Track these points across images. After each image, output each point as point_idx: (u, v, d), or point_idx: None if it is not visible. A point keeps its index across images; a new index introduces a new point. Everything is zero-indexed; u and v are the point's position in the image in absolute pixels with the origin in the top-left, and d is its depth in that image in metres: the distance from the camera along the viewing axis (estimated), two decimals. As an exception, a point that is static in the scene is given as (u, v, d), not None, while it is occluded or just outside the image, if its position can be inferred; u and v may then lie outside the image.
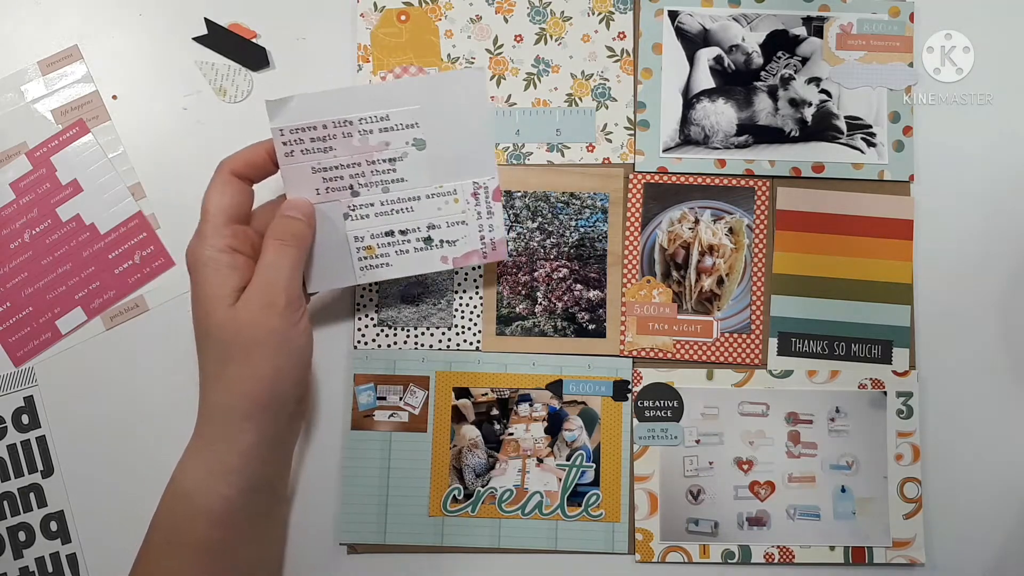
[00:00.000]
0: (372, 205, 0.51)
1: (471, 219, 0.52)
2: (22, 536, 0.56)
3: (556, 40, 0.59)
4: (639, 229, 0.58)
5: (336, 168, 0.50)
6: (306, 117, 0.48)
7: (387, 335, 0.57)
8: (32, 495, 0.56)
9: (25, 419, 0.57)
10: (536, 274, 0.58)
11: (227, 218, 0.47)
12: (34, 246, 0.57)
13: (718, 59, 0.59)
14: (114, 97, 0.58)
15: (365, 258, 0.52)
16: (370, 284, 0.57)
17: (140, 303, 0.57)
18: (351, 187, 0.50)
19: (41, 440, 0.56)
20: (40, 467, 0.56)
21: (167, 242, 0.58)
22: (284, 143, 0.49)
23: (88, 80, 0.58)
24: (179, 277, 0.58)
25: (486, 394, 0.57)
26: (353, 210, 0.51)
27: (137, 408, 0.57)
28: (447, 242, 0.52)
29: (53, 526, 0.56)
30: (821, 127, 0.58)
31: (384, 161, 0.50)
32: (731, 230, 0.58)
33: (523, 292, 0.57)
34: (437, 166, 0.50)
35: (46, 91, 0.58)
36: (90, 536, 0.56)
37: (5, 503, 0.56)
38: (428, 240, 0.52)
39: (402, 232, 0.51)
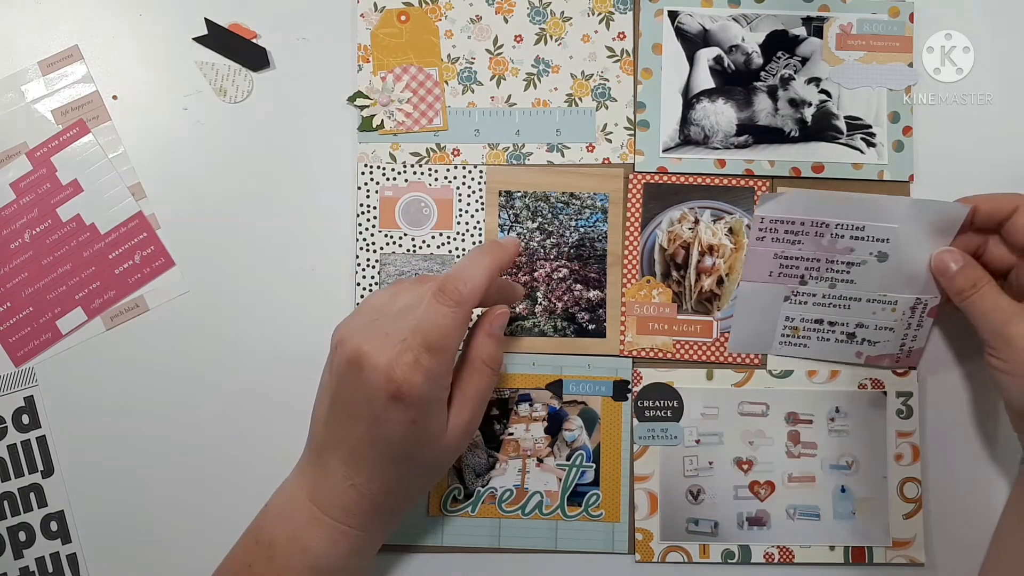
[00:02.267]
0: (814, 295, 0.55)
1: (899, 328, 0.55)
2: (22, 536, 0.56)
3: (556, 40, 0.59)
4: (639, 229, 0.58)
5: (796, 259, 0.55)
6: (789, 212, 0.53)
7: (387, 335, 0.57)
8: (32, 495, 0.56)
9: (25, 419, 0.57)
10: (536, 274, 0.58)
11: (455, 355, 0.47)
12: (34, 246, 0.57)
13: (718, 59, 0.59)
14: (114, 97, 0.58)
15: (788, 335, 0.56)
16: (370, 283, 0.57)
17: (140, 303, 0.57)
18: (802, 277, 0.55)
19: (41, 440, 0.56)
20: (40, 467, 0.56)
21: (167, 242, 0.58)
22: (760, 229, 0.54)
23: (88, 80, 0.58)
24: (179, 277, 0.58)
25: (486, 394, 0.57)
26: (795, 295, 0.55)
27: (137, 408, 0.57)
28: (868, 342, 0.56)
29: (53, 526, 0.56)
30: (821, 127, 0.58)
31: (842, 263, 0.54)
32: (731, 230, 0.58)
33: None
34: (888, 277, 0.54)
35: (46, 91, 0.58)
36: (90, 536, 0.56)
37: (5, 503, 0.56)
38: (851, 336, 0.56)
39: (831, 323, 0.56)
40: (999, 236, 0.53)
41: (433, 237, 0.58)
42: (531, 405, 0.57)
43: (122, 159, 0.58)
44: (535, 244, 0.58)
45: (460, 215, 0.58)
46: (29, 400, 0.57)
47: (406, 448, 0.46)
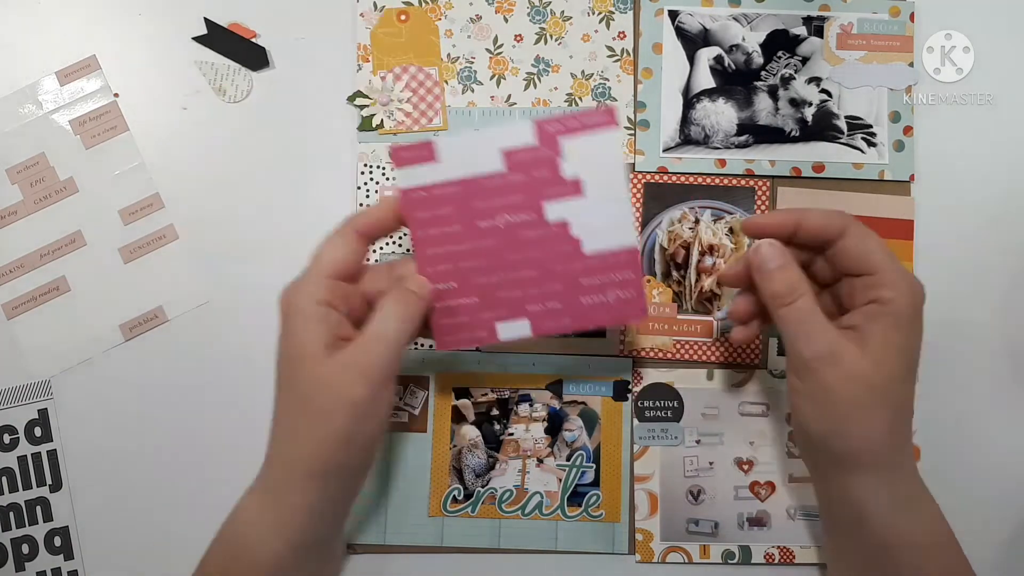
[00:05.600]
0: None
1: None
2: (25, 549, 0.56)
3: (556, 40, 0.59)
4: (639, 229, 0.58)
5: None
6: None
7: (387, 335, 0.57)
8: (38, 508, 0.56)
9: (38, 431, 0.56)
10: (536, 274, 0.57)
11: (333, 272, 0.45)
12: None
13: (718, 59, 0.59)
14: (115, 95, 0.58)
15: None
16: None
17: (159, 313, 0.57)
18: None
19: (52, 454, 0.56)
20: (49, 481, 0.56)
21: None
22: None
23: (107, 91, 0.58)
24: (197, 286, 0.58)
25: (486, 394, 0.57)
26: None
27: (152, 427, 0.57)
28: None
29: (57, 541, 0.56)
30: (821, 127, 0.58)
31: None
32: (731, 230, 0.58)
33: (523, 292, 0.57)
34: None
35: (64, 101, 0.58)
36: (93, 554, 0.56)
37: (11, 514, 0.56)
38: None
39: None
40: (824, 257, 0.47)
41: (433, 237, 0.58)
42: (531, 405, 0.57)
43: (139, 169, 0.58)
44: (535, 244, 0.58)
45: (460, 215, 0.58)
46: (43, 413, 0.56)
47: (283, 366, 0.45)
